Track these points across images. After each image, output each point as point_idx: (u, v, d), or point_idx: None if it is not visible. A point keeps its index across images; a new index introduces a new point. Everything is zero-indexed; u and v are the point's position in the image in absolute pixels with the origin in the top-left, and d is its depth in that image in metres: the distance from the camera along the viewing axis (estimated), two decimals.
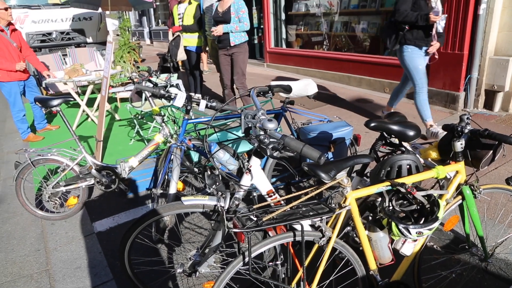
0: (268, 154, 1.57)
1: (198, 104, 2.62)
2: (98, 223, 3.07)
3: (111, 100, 6.92)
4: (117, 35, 8.64)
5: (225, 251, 2.59)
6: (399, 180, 1.65)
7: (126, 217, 3.13)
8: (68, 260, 2.62)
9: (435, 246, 2.56)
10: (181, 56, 5.99)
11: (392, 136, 2.09)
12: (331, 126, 2.93)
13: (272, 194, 1.82)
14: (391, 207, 1.63)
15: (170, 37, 6.04)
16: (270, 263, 1.83)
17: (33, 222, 3.14)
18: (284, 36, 8.69)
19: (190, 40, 5.99)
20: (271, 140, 1.53)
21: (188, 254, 2.04)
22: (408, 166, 1.79)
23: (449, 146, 1.83)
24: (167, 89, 2.68)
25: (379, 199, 1.75)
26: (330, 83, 7.14)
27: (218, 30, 4.62)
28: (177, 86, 5.15)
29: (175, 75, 5.80)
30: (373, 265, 1.75)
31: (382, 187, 1.65)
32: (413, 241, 1.70)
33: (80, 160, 3.05)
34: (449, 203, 1.84)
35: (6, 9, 4.55)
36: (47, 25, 8.09)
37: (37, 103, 2.98)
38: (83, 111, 5.62)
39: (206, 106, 2.60)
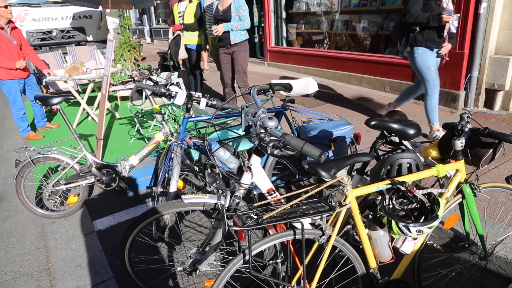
0: (269, 152, 1.57)
1: (198, 103, 2.62)
2: (99, 221, 3.07)
3: (112, 98, 6.92)
4: (118, 33, 8.63)
5: (225, 250, 2.59)
6: (399, 179, 1.65)
7: (126, 215, 3.13)
8: (68, 259, 2.63)
9: (435, 245, 2.56)
10: (182, 55, 5.99)
11: (393, 134, 2.09)
12: (331, 125, 2.93)
13: (273, 193, 1.82)
14: (391, 206, 1.63)
15: (171, 36, 6.04)
16: (271, 261, 1.83)
17: (33, 221, 3.15)
18: (284, 34, 8.68)
19: (191, 38, 5.99)
20: (272, 138, 1.54)
21: (189, 252, 2.04)
22: (408, 165, 1.79)
23: (449, 144, 1.83)
24: (167, 87, 2.68)
25: (379, 198, 1.75)
26: (330, 82, 7.13)
27: (219, 29, 4.61)
28: (177, 84, 5.14)
29: (176, 73, 5.80)
30: (373, 264, 1.75)
31: (382, 185, 1.65)
32: (413, 240, 1.70)
33: (81, 159, 3.05)
34: (449, 202, 1.84)
35: (6, 6, 4.54)
36: (47, 23, 8.09)
37: (37, 101, 2.98)
38: (84, 109, 5.62)
39: (207, 105, 2.60)
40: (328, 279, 1.86)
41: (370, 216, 1.78)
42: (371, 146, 2.17)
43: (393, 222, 1.54)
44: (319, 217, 1.60)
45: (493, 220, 2.65)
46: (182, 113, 2.74)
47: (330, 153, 2.90)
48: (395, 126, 2.02)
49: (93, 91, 5.91)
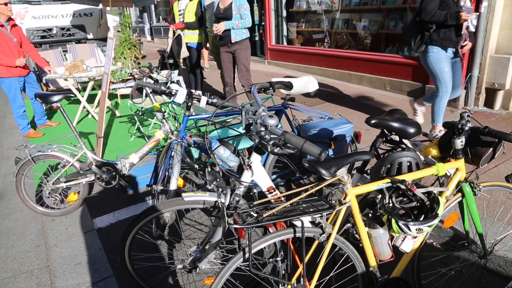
0: (269, 150, 1.57)
1: (198, 101, 2.61)
2: (99, 219, 3.07)
3: (112, 96, 6.92)
4: (118, 31, 8.63)
5: (225, 247, 2.59)
6: (400, 177, 1.65)
7: (126, 213, 3.13)
8: (68, 256, 2.63)
9: (434, 243, 2.56)
10: (184, 54, 5.99)
11: (393, 133, 2.09)
12: (331, 123, 2.93)
13: (273, 191, 1.83)
14: (391, 204, 1.63)
15: (171, 34, 6.03)
16: (270, 259, 1.84)
17: (33, 218, 3.15)
18: (285, 33, 8.67)
19: (191, 36, 5.98)
20: (272, 136, 1.54)
21: (189, 250, 2.04)
22: (408, 163, 1.80)
23: (450, 143, 1.83)
24: (167, 85, 2.68)
25: (379, 196, 1.76)
26: (331, 81, 7.13)
27: (220, 27, 4.60)
28: (177, 82, 5.14)
29: (176, 71, 5.80)
30: (372, 262, 1.76)
31: (382, 184, 1.65)
32: (412, 238, 1.70)
33: (81, 156, 3.05)
34: (449, 200, 1.84)
35: (6, 4, 4.54)
36: (47, 21, 8.08)
37: (37, 99, 2.98)
38: (84, 107, 5.62)
39: (207, 103, 2.60)
40: (328, 277, 1.87)
41: (370, 215, 1.79)
42: (371, 145, 2.17)
43: (393, 221, 1.54)
44: (319, 215, 1.60)
45: (492, 219, 2.65)
46: (182, 111, 2.74)
47: (330, 152, 2.90)
48: (395, 124, 2.02)
49: (93, 89, 5.90)
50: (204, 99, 2.60)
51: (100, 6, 8.31)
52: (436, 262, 2.37)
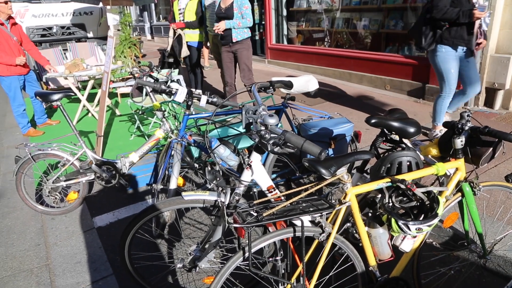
0: (269, 149, 1.57)
1: (199, 100, 2.61)
2: (98, 218, 3.07)
3: (112, 95, 6.92)
4: (118, 30, 8.62)
5: (225, 247, 2.59)
6: (399, 177, 1.65)
7: (126, 212, 3.13)
8: (68, 255, 2.63)
9: (434, 243, 2.57)
10: (185, 53, 6.00)
11: (393, 132, 2.09)
12: (331, 123, 2.93)
13: (273, 190, 1.83)
14: (391, 204, 1.63)
15: (171, 33, 6.03)
16: (270, 259, 1.84)
17: (33, 217, 3.15)
18: (285, 32, 8.67)
19: (192, 35, 5.98)
20: (272, 135, 1.54)
21: (188, 249, 2.04)
22: (408, 163, 1.80)
23: (449, 143, 1.83)
24: (168, 84, 2.68)
25: (379, 196, 1.75)
26: (331, 80, 7.13)
27: (220, 26, 4.60)
28: (178, 81, 5.14)
29: (176, 70, 5.80)
30: (372, 261, 1.76)
31: (382, 183, 1.65)
32: (412, 238, 1.70)
33: (81, 155, 3.05)
34: (449, 200, 1.84)
35: (6, 2, 4.53)
36: (47, 19, 8.07)
37: (37, 97, 2.98)
38: (84, 106, 5.62)
39: (207, 102, 2.60)
40: (328, 276, 1.87)
41: (370, 214, 1.79)
42: (371, 144, 2.17)
43: (393, 220, 1.54)
44: (319, 214, 1.60)
45: (492, 219, 2.65)
46: (182, 110, 2.74)
47: (330, 151, 2.90)
48: (395, 124, 2.02)
49: (93, 87, 5.90)
50: (204, 98, 2.60)
51: (101, 4, 8.32)
52: (435, 262, 2.37)
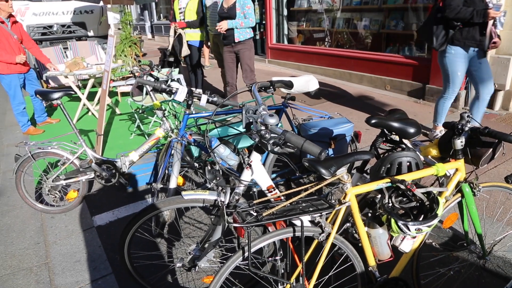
0: (269, 149, 1.57)
1: (199, 99, 2.61)
2: (98, 217, 3.08)
3: (112, 94, 6.92)
4: (119, 28, 8.61)
5: (224, 246, 2.59)
6: (399, 177, 1.65)
7: (126, 211, 3.13)
8: (67, 254, 2.63)
9: (433, 243, 2.57)
10: (185, 52, 5.99)
11: (393, 133, 2.09)
12: (332, 123, 2.93)
13: (272, 190, 1.83)
14: (390, 204, 1.63)
15: (172, 32, 6.02)
16: (270, 258, 1.84)
17: (32, 215, 3.15)
18: (286, 32, 8.67)
19: (192, 34, 5.98)
20: (272, 135, 1.54)
21: (188, 249, 2.04)
22: (408, 163, 1.80)
23: (449, 143, 1.83)
24: (168, 83, 2.67)
25: (379, 196, 1.76)
26: (331, 80, 7.13)
27: (222, 26, 4.56)
28: (178, 80, 5.14)
29: (177, 69, 5.79)
30: (372, 262, 1.76)
31: (382, 183, 1.65)
32: (412, 238, 1.70)
33: (81, 154, 3.05)
34: (448, 201, 1.84)
35: (6, 0, 4.53)
36: (48, 17, 8.08)
37: (38, 96, 2.98)
38: (84, 104, 5.62)
39: (207, 101, 2.60)
40: (327, 276, 1.87)
41: (370, 214, 1.79)
42: (371, 145, 2.17)
43: (393, 221, 1.54)
44: (319, 214, 1.60)
45: (492, 220, 2.65)
46: (182, 110, 2.74)
47: (330, 151, 2.90)
48: (395, 124, 2.02)
49: (93, 86, 5.90)
50: (204, 98, 2.60)
51: (101, 3, 8.31)
52: (435, 262, 2.38)
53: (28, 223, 3.05)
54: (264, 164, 2.85)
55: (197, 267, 1.97)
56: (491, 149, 1.80)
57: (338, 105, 5.57)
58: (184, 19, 5.92)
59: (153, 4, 17.86)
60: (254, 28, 9.74)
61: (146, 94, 4.53)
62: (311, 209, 1.59)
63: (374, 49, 6.63)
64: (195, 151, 3.44)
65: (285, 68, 8.40)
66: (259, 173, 1.77)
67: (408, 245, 1.71)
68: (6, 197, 3.49)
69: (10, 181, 3.80)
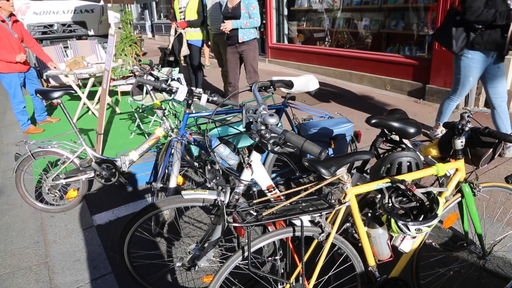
0: (269, 149, 1.57)
1: (199, 99, 2.61)
2: (98, 216, 3.08)
3: (112, 93, 6.92)
4: (119, 28, 8.61)
5: (224, 246, 2.59)
6: (399, 177, 1.65)
7: (125, 210, 3.13)
8: (67, 253, 2.63)
9: (433, 244, 2.57)
10: (185, 52, 5.99)
11: (393, 133, 2.09)
12: (332, 123, 2.93)
13: (272, 189, 1.83)
14: (390, 204, 1.63)
15: (173, 31, 6.02)
16: (269, 258, 1.84)
17: (32, 214, 3.15)
18: (286, 31, 8.66)
19: (193, 34, 5.98)
20: (272, 135, 1.53)
21: (188, 248, 2.04)
22: (408, 163, 1.80)
23: (450, 143, 1.83)
24: (168, 82, 2.67)
25: (379, 196, 1.75)
26: (331, 80, 7.12)
27: (227, 26, 4.51)
28: (178, 80, 5.14)
29: (177, 69, 5.79)
30: (371, 261, 1.76)
31: (382, 183, 1.65)
32: (412, 238, 1.70)
33: (81, 153, 3.05)
34: (449, 201, 1.84)
35: None
36: (48, 16, 8.08)
37: (38, 95, 2.98)
38: (84, 104, 5.62)
39: (207, 101, 2.60)
40: (327, 276, 1.87)
41: (370, 214, 1.79)
42: (371, 144, 2.17)
43: (392, 221, 1.54)
44: (319, 214, 1.60)
45: (492, 220, 2.65)
46: (182, 109, 2.73)
47: (330, 151, 2.90)
48: (395, 124, 2.02)
49: (93, 85, 5.90)
50: (204, 97, 2.60)
51: (101, 2, 8.31)
52: (435, 263, 2.38)
53: (28, 222, 3.05)
54: (264, 163, 2.85)
55: (196, 267, 1.97)
56: (491, 149, 1.80)
57: (338, 105, 5.57)
58: (184, 19, 5.92)
59: (154, 3, 17.85)
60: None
61: (146, 93, 4.53)
62: (311, 209, 1.59)
63: (374, 49, 6.63)
64: (195, 150, 3.44)
65: (285, 68, 8.40)
66: (259, 172, 1.77)
67: (408, 245, 1.71)
68: (6, 196, 3.49)
69: (10, 180, 3.80)
